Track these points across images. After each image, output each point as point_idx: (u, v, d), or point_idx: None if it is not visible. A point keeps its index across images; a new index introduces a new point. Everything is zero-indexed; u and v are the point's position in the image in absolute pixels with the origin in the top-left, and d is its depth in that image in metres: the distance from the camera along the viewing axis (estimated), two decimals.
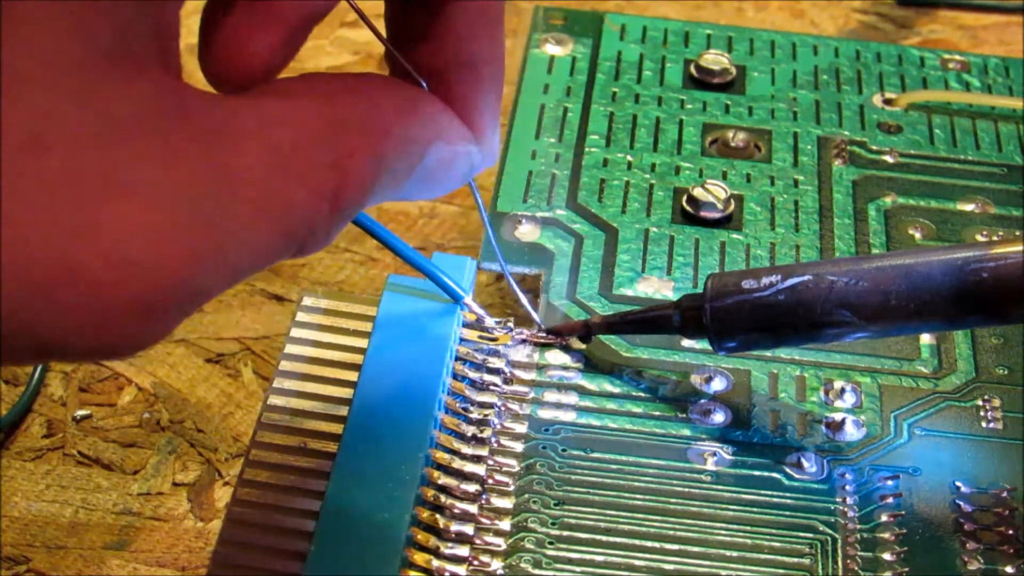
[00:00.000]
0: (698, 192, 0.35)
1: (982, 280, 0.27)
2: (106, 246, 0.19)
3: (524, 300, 0.31)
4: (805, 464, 0.29)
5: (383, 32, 0.25)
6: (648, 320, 0.31)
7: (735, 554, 0.27)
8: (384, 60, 0.26)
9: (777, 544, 0.28)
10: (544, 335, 0.31)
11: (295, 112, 0.21)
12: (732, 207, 0.35)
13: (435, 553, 0.26)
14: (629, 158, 0.37)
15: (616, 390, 0.31)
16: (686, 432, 0.30)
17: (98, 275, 0.19)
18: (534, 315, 0.31)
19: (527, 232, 0.34)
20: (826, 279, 0.28)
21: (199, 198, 0.19)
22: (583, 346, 0.31)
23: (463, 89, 0.25)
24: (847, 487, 0.29)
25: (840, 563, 0.27)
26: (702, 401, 0.30)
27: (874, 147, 0.38)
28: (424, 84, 0.25)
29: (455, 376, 0.30)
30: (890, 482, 0.29)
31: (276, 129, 0.21)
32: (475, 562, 0.27)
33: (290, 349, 0.29)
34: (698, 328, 0.29)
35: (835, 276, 0.28)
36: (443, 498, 0.27)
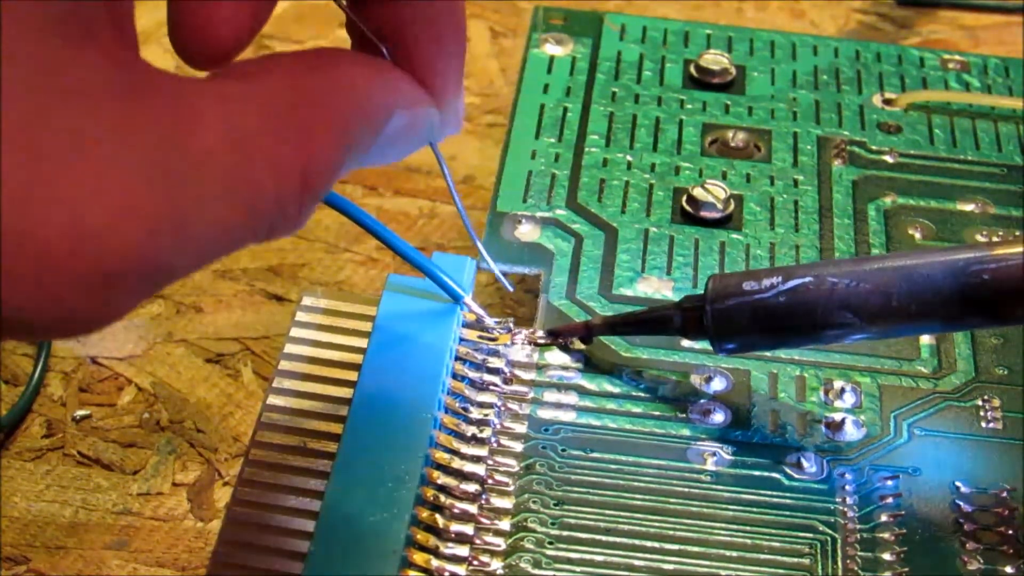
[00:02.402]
0: (698, 192, 0.35)
1: (983, 282, 0.27)
2: (61, 216, 0.18)
3: (492, 264, 0.31)
4: (805, 464, 0.29)
5: None
6: (649, 321, 0.31)
7: (735, 554, 0.27)
8: (345, 28, 0.25)
9: (777, 544, 0.28)
10: (543, 336, 0.31)
11: (256, 91, 0.21)
12: (732, 207, 0.35)
13: (435, 553, 0.26)
14: (629, 158, 0.37)
15: (616, 390, 0.31)
16: (686, 432, 0.30)
17: (53, 245, 0.18)
18: (504, 282, 0.31)
19: (527, 232, 0.34)
20: (827, 281, 0.28)
21: (158, 174, 0.19)
22: (584, 347, 0.31)
23: (425, 53, 0.25)
24: (847, 487, 0.29)
25: (840, 563, 0.27)
26: (702, 401, 0.30)
27: (874, 147, 0.38)
28: (385, 51, 0.25)
29: (455, 376, 0.30)
30: (890, 482, 0.29)
31: (237, 109, 0.21)
32: (475, 562, 0.27)
33: (290, 349, 0.29)
34: (699, 329, 0.29)
35: (836, 278, 0.28)
36: (443, 498, 0.27)
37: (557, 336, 0.31)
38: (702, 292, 0.29)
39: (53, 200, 0.18)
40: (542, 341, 0.31)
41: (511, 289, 0.32)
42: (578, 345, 0.31)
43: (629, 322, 0.31)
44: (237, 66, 0.22)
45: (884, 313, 0.28)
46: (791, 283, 0.28)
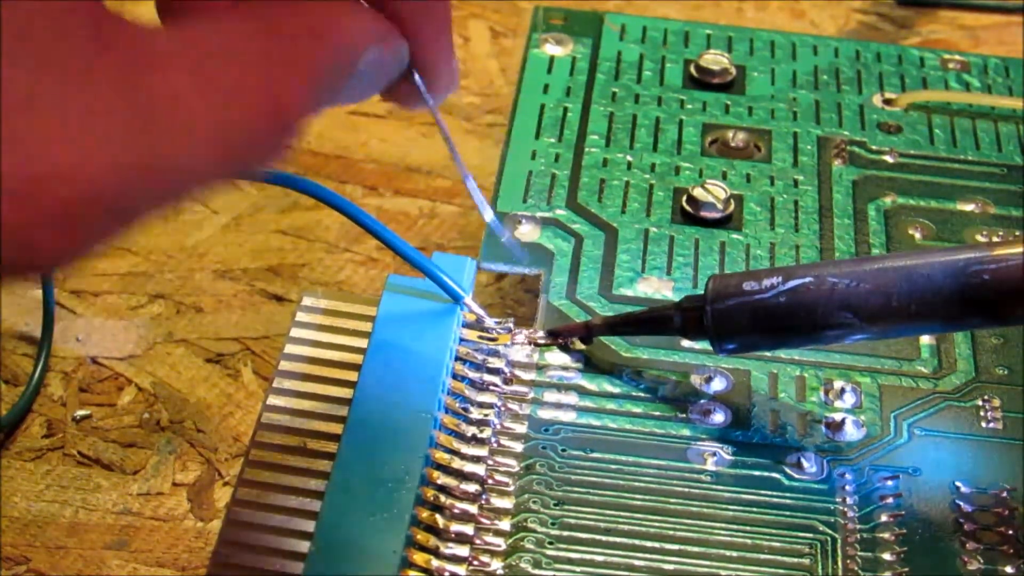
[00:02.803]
0: (698, 192, 0.35)
1: (983, 282, 0.27)
2: (22, 154, 0.18)
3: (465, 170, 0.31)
4: (805, 464, 0.29)
5: None
6: (649, 321, 0.31)
7: (735, 554, 0.27)
8: None
9: (777, 544, 0.28)
10: (543, 337, 0.31)
11: (225, 32, 0.21)
12: (732, 207, 0.35)
13: (435, 553, 0.26)
14: (629, 158, 0.37)
15: (616, 390, 0.31)
16: (686, 432, 0.30)
17: (14, 182, 0.18)
18: (485, 210, 0.31)
19: (527, 232, 0.34)
20: (827, 281, 0.28)
21: (124, 116, 0.19)
22: (584, 348, 0.31)
23: (409, 9, 0.25)
24: (847, 487, 0.29)
25: (840, 563, 0.27)
26: (702, 401, 0.30)
27: (874, 147, 0.38)
28: None
29: (455, 376, 0.30)
30: (890, 482, 0.29)
31: (206, 51, 0.21)
32: (475, 562, 0.27)
33: (290, 349, 0.29)
34: (699, 330, 0.29)
35: (836, 278, 0.28)
36: (443, 498, 0.27)
37: (557, 336, 0.31)
38: (702, 292, 0.29)
39: (15, 141, 0.18)
40: (542, 341, 0.31)
41: (491, 216, 0.31)
42: (578, 345, 0.31)
43: (629, 322, 0.31)
44: (203, 8, 0.22)
45: (884, 313, 0.28)
46: (791, 283, 0.28)
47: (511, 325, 0.31)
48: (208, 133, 0.20)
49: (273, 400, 0.28)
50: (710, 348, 0.30)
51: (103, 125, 0.19)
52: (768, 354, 0.31)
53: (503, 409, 0.30)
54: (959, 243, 0.35)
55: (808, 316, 0.28)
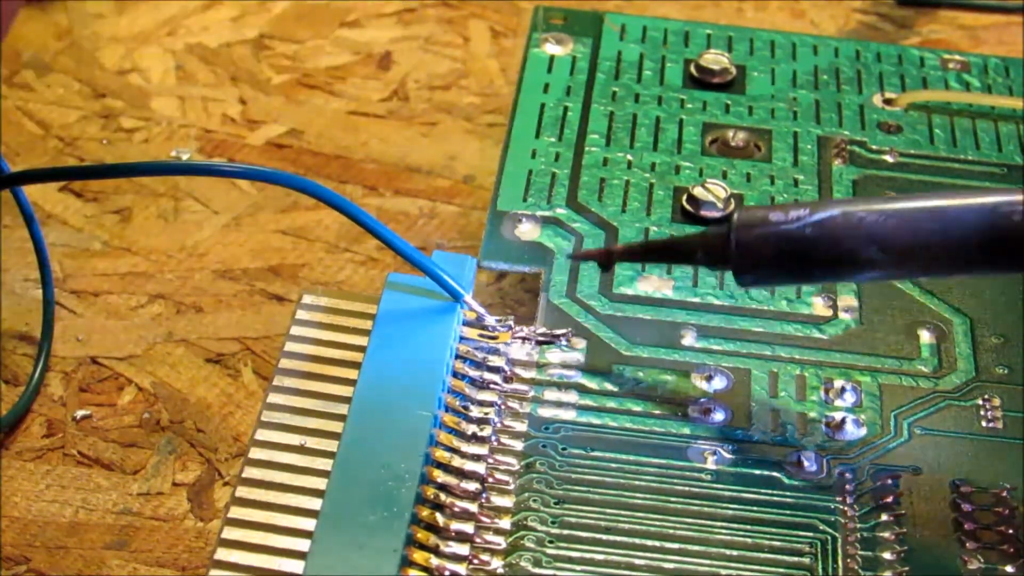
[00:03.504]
0: (698, 191, 0.35)
1: (1014, 224, 0.27)
2: None
3: None
4: (805, 463, 0.29)
5: None
6: (672, 249, 0.30)
7: (735, 553, 0.27)
8: None
9: (777, 543, 0.28)
10: (542, 335, 0.31)
11: None
12: (732, 206, 0.35)
13: (435, 551, 0.26)
14: (629, 157, 0.37)
15: (616, 389, 0.31)
16: (686, 431, 0.30)
17: None
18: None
19: (527, 231, 0.34)
20: (855, 215, 0.27)
21: None
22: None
23: None
24: (847, 486, 0.29)
25: (840, 562, 0.27)
26: (702, 400, 0.30)
27: (874, 147, 0.38)
28: None
29: (455, 374, 0.30)
30: (890, 481, 0.29)
31: None
32: (475, 561, 0.27)
33: (290, 347, 0.29)
34: (722, 259, 0.29)
35: (865, 212, 0.27)
36: (443, 496, 0.27)
37: (576, 259, 0.31)
38: (727, 221, 0.29)
39: None
40: (542, 340, 0.31)
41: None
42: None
43: (652, 250, 0.30)
44: None
45: (911, 251, 0.27)
46: (819, 215, 0.28)
47: (511, 323, 0.31)
48: None
49: (273, 398, 0.28)
50: (715, 351, 0.30)
51: None
52: (768, 352, 0.31)
53: (503, 407, 0.30)
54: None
55: (834, 249, 0.27)
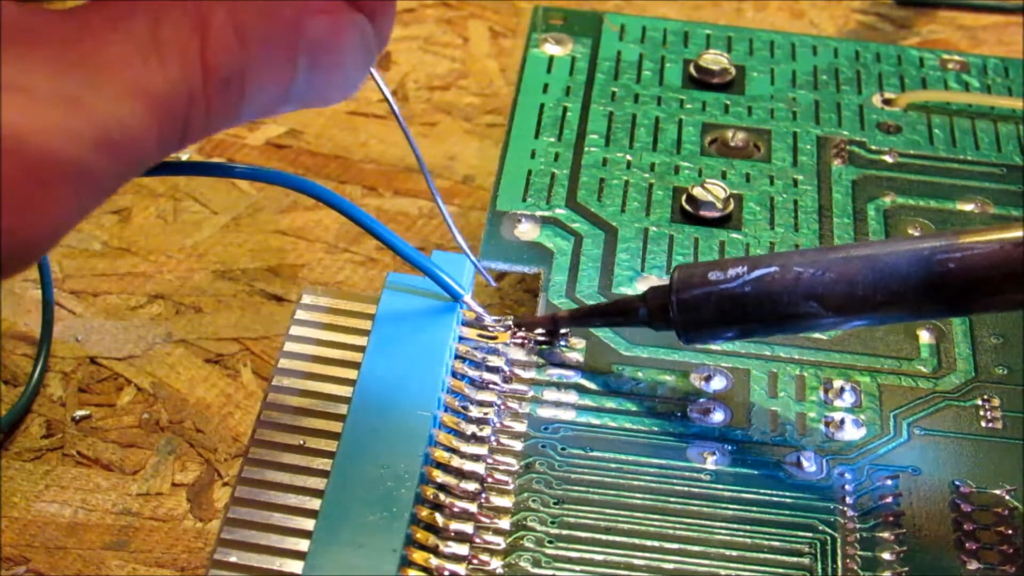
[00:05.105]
0: (697, 191, 0.35)
1: (949, 271, 0.27)
2: None
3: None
4: (805, 463, 0.29)
5: None
6: (615, 312, 0.30)
7: (735, 553, 0.27)
8: None
9: (777, 543, 0.28)
10: (505, 325, 0.31)
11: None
12: (731, 206, 0.35)
13: (434, 552, 0.26)
14: (628, 157, 0.37)
15: (616, 389, 0.31)
16: (686, 431, 0.30)
17: None
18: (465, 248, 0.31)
19: (526, 231, 0.34)
20: (792, 270, 0.28)
21: (66, 88, 0.20)
22: (548, 342, 0.31)
23: None
24: (847, 487, 0.29)
25: (840, 563, 0.27)
26: (702, 400, 0.30)
27: (873, 147, 0.38)
28: None
29: (454, 374, 0.30)
30: (890, 482, 0.29)
31: (129, 16, 0.21)
32: (474, 561, 0.27)
33: (289, 347, 0.29)
34: (665, 320, 0.29)
35: (802, 267, 0.28)
36: (442, 496, 0.27)
37: (521, 327, 0.31)
38: (667, 283, 0.29)
39: None
40: (542, 339, 0.31)
41: (493, 284, 0.32)
42: (543, 338, 0.31)
43: (595, 313, 0.31)
44: None
45: (849, 302, 0.27)
46: (756, 273, 0.28)
47: (510, 323, 0.31)
48: (138, 89, 0.21)
49: (272, 398, 0.28)
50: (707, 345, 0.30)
51: (49, 99, 0.20)
52: (768, 352, 0.31)
53: (503, 407, 0.30)
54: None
55: (773, 306, 0.28)
